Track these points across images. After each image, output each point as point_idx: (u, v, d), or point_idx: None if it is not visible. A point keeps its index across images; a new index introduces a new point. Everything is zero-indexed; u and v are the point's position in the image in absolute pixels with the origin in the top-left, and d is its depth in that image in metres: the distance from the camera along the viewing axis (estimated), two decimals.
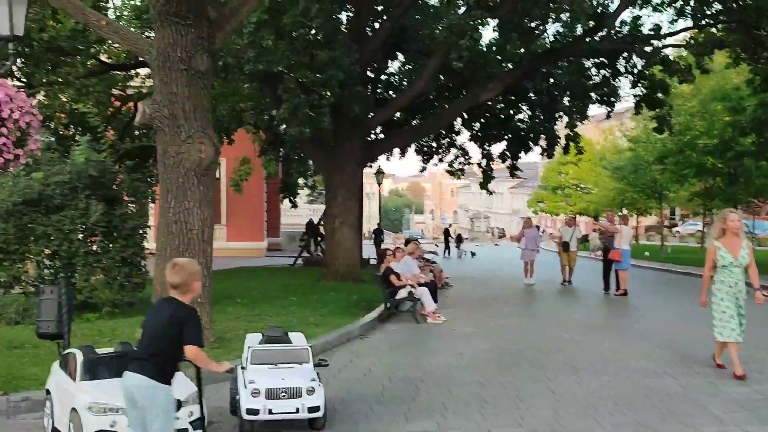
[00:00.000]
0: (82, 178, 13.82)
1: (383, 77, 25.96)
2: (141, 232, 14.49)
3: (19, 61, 16.67)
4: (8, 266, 13.56)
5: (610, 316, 16.24)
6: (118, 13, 19.87)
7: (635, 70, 23.28)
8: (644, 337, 12.69)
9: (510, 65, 22.94)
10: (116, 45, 19.45)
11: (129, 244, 14.10)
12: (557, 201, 61.52)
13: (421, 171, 31.53)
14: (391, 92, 25.87)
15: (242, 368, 7.38)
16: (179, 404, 6.37)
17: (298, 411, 6.98)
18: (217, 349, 10.15)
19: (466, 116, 25.99)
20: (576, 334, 13.03)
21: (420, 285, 15.02)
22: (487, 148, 27.79)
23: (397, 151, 28.19)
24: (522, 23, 20.47)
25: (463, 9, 20.43)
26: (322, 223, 28.29)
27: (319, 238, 29.88)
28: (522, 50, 21.61)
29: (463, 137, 28.59)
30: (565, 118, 25.69)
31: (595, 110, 27.66)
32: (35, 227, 13.41)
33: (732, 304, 9.37)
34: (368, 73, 23.14)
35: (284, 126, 20.96)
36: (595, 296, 19.05)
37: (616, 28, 22.03)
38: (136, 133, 20.51)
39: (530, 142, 26.92)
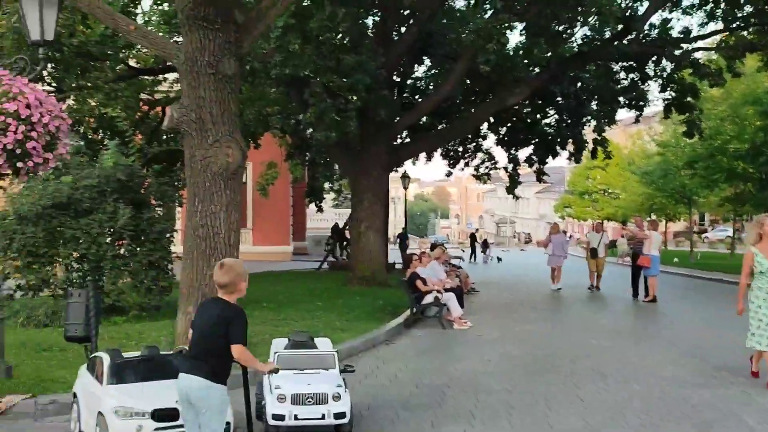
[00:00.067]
0: (111, 182, 13.92)
1: (409, 81, 25.93)
2: (168, 235, 14.55)
3: (49, 65, 16.82)
4: (37, 269, 13.68)
5: (638, 322, 16.04)
6: (146, 18, 19.99)
7: (664, 74, 23.02)
8: (674, 344, 12.50)
9: (537, 69, 22.79)
10: (145, 50, 19.57)
11: (156, 248, 14.16)
12: (584, 206, 61.07)
13: (447, 175, 31.41)
14: (417, 96, 25.84)
15: (268, 373, 7.34)
16: None
17: (324, 417, 6.93)
18: None
19: (492, 120, 25.86)
20: (604, 340, 12.87)
21: (446, 290, 14.94)
22: (514, 152, 27.65)
23: (423, 155, 28.13)
24: (549, 27, 20.33)
25: (490, 13, 20.34)
26: (347, 227, 28.29)
27: (344, 243, 29.89)
28: (549, 54, 21.48)
29: (490, 141, 28.56)
30: (593, 123, 25.48)
31: (623, 114, 27.50)
32: (64, 231, 13.52)
33: None
34: (395, 77, 23.12)
35: (310, 130, 20.98)
36: (623, 302, 18.83)
37: (645, 32, 21.81)
38: (164, 137, 20.63)
39: (557, 147, 26.75)
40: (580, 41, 22.75)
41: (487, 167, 29.50)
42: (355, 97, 18.90)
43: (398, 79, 24.29)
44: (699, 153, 31.34)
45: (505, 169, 28.36)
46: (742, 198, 33.94)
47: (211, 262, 10.28)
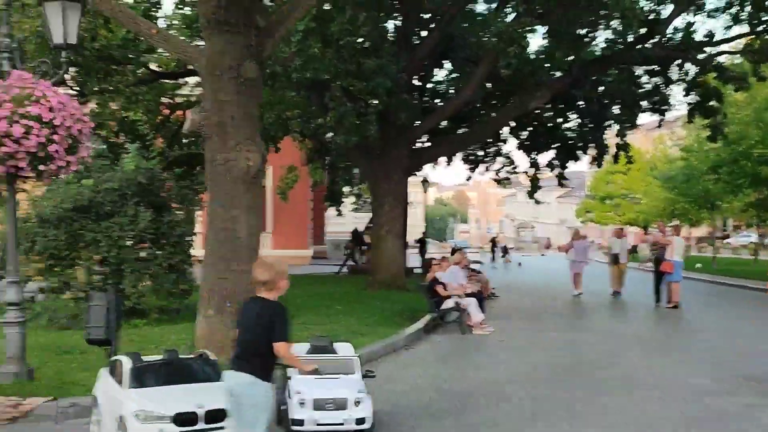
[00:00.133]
0: (132, 186, 13.95)
1: (430, 85, 25.86)
2: (188, 239, 14.56)
3: (71, 69, 16.92)
4: (59, 272, 13.73)
5: (661, 329, 15.86)
6: (168, 23, 20.09)
7: (688, 78, 22.80)
8: (697, 351, 12.35)
9: (559, 73, 22.65)
10: (166, 53, 19.68)
11: (176, 251, 14.17)
12: (606, 211, 60.67)
13: (468, 179, 31.31)
14: (437, 100, 25.75)
15: (288, 378, 7.30)
16: (224, 414, 6.34)
17: (344, 423, 6.87)
18: None
19: (513, 124, 25.74)
20: (627, 347, 12.72)
21: (467, 295, 14.84)
22: (535, 156, 27.51)
23: (443, 159, 28.03)
24: (571, 30, 20.20)
25: (511, 16, 20.25)
26: (366, 231, 28.25)
27: (363, 247, 29.85)
28: (571, 57, 21.34)
29: (510, 146, 28.46)
30: (615, 127, 25.28)
31: (646, 118, 27.25)
32: (85, 233, 13.55)
33: None
34: (415, 81, 23.06)
35: (330, 134, 20.98)
36: (645, 308, 18.64)
37: (669, 35, 21.61)
38: (185, 141, 20.70)
39: (579, 151, 26.58)
40: (602, 45, 22.61)
41: (507, 171, 29.36)
42: (375, 101, 18.87)
43: (419, 83, 24.22)
44: (723, 158, 30.99)
45: (526, 173, 28.21)
46: (766, 203, 33.55)
47: (231, 266, 10.28)
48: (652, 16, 21.16)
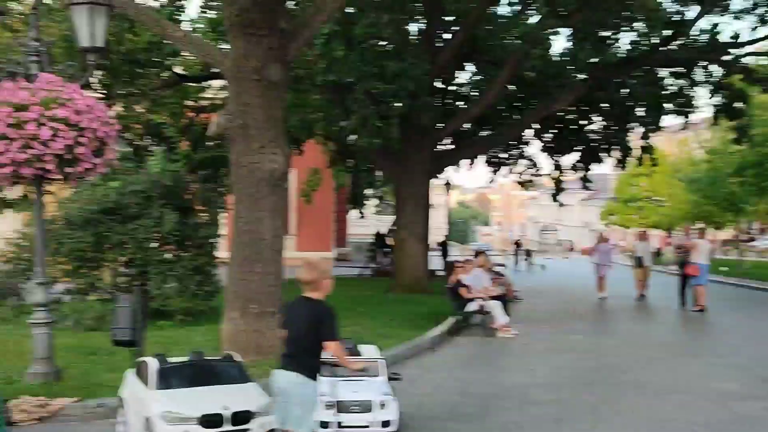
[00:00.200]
0: (157, 188, 14.05)
1: (452, 88, 25.79)
2: (213, 241, 14.63)
3: (97, 73, 17.07)
4: (85, 273, 13.86)
5: (688, 333, 15.72)
6: (192, 26, 20.20)
7: (713, 80, 22.58)
8: (725, 355, 12.21)
9: (582, 75, 22.52)
10: (191, 56, 19.78)
11: (201, 253, 14.25)
12: (629, 214, 60.15)
13: (491, 182, 31.20)
14: (460, 103, 25.69)
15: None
16: (251, 415, 6.36)
17: (369, 425, 6.86)
18: None
19: (537, 126, 25.62)
20: (653, 351, 12.62)
21: (491, 298, 14.78)
22: (558, 159, 27.36)
23: (465, 161, 27.96)
24: (595, 32, 20.07)
25: (535, 19, 20.17)
26: (389, 234, 28.25)
27: (386, 249, 29.83)
28: (595, 60, 21.20)
29: (534, 148, 28.30)
30: (639, 129, 25.09)
31: (670, 120, 26.92)
32: (111, 235, 13.66)
33: None
34: (438, 83, 23.02)
35: (353, 136, 21.00)
36: (670, 312, 18.47)
37: (694, 37, 21.41)
38: (209, 143, 20.80)
39: (603, 154, 26.40)
40: (626, 47, 22.44)
41: (531, 174, 29.23)
42: (398, 104, 18.86)
43: (441, 86, 24.18)
44: (748, 160, 30.64)
45: (550, 175, 28.06)
46: None
47: (255, 268, 10.33)
48: (676, 18, 20.98)
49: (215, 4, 19.99)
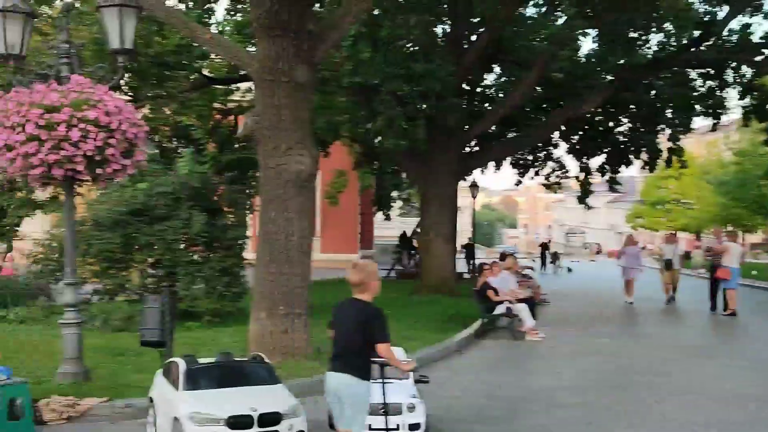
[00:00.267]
0: (185, 189, 14.12)
1: (479, 89, 25.70)
2: (240, 242, 14.67)
3: (126, 75, 17.20)
4: (114, 274, 13.96)
5: (718, 337, 15.51)
6: (220, 29, 20.31)
7: (744, 81, 22.28)
8: (757, 360, 12.03)
9: (610, 76, 22.33)
10: (218, 59, 19.89)
11: (229, 255, 14.30)
12: (657, 216, 59.59)
13: (517, 184, 31.03)
14: (486, 104, 25.58)
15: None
16: (279, 417, 6.35)
17: (398, 428, 6.81)
18: (314, 362, 10.12)
19: (564, 128, 25.44)
20: (682, 355, 12.46)
21: (518, 301, 14.68)
22: (586, 161, 27.15)
23: (491, 163, 27.82)
24: (623, 33, 19.89)
25: (562, 20, 20.04)
26: (415, 235, 28.17)
27: (412, 251, 29.78)
28: (623, 61, 21.00)
29: (560, 150, 28.04)
30: (668, 131, 24.83)
31: (699, 122, 26.61)
32: (139, 237, 13.76)
33: None
34: (464, 85, 22.94)
35: (379, 138, 20.99)
36: (700, 316, 18.24)
37: (725, 37, 21.15)
38: (236, 145, 20.90)
39: (630, 156, 26.16)
40: (655, 48, 22.21)
41: (557, 176, 29.04)
42: (424, 105, 18.82)
43: (467, 87, 24.10)
44: None
45: (577, 178, 27.85)
46: None
47: (283, 269, 10.32)
48: (707, 18, 20.74)
49: (241, 6, 20.10)
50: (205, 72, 20.68)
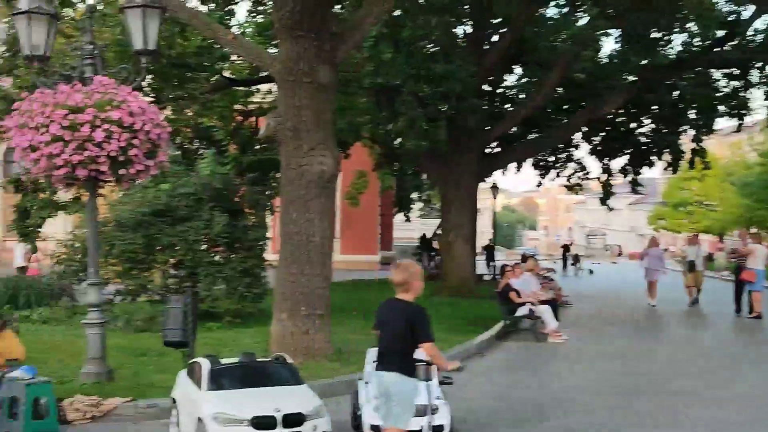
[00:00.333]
0: (207, 190, 14.16)
1: (500, 90, 25.60)
2: (261, 243, 14.69)
3: (148, 77, 17.28)
4: (136, 275, 14.02)
5: (743, 340, 15.32)
6: (242, 30, 20.36)
7: None
8: None
9: (633, 76, 22.15)
10: (239, 61, 19.93)
11: (250, 256, 14.32)
12: (679, 218, 59.07)
13: (538, 186, 30.88)
14: (507, 105, 25.47)
15: (365, 383, 7.24)
16: (303, 418, 6.32)
17: (422, 429, 6.75)
18: (335, 362, 10.10)
19: (585, 129, 25.27)
20: (707, 358, 12.32)
21: (541, 302, 14.58)
22: (607, 162, 26.96)
23: (512, 165, 27.68)
24: (646, 33, 19.71)
25: (584, 20, 19.90)
26: (435, 237, 28.10)
27: (432, 253, 29.71)
28: (646, 61, 20.83)
29: (582, 151, 27.92)
30: (691, 132, 24.60)
31: (723, 123, 26.34)
32: (161, 237, 13.80)
33: None
34: (485, 86, 22.85)
35: (399, 139, 20.95)
36: (725, 319, 18.01)
37: (749, 37, 20.91)
38: (257, 147, 20.95)
39: (653, 157, 25.94)
40: (678, 48, 22.01)
41: (579, 177, 28.86)
42: (445, 106, 18.76)
43: (489, 88, 24.00)
44: None
45: (598, 179, 27.65)
46: None
47: (304, 270, 10.32)
48: (731, 18, 20.50)
49: (263, 8, 20.14)
50: (226, 74, 20.73)
